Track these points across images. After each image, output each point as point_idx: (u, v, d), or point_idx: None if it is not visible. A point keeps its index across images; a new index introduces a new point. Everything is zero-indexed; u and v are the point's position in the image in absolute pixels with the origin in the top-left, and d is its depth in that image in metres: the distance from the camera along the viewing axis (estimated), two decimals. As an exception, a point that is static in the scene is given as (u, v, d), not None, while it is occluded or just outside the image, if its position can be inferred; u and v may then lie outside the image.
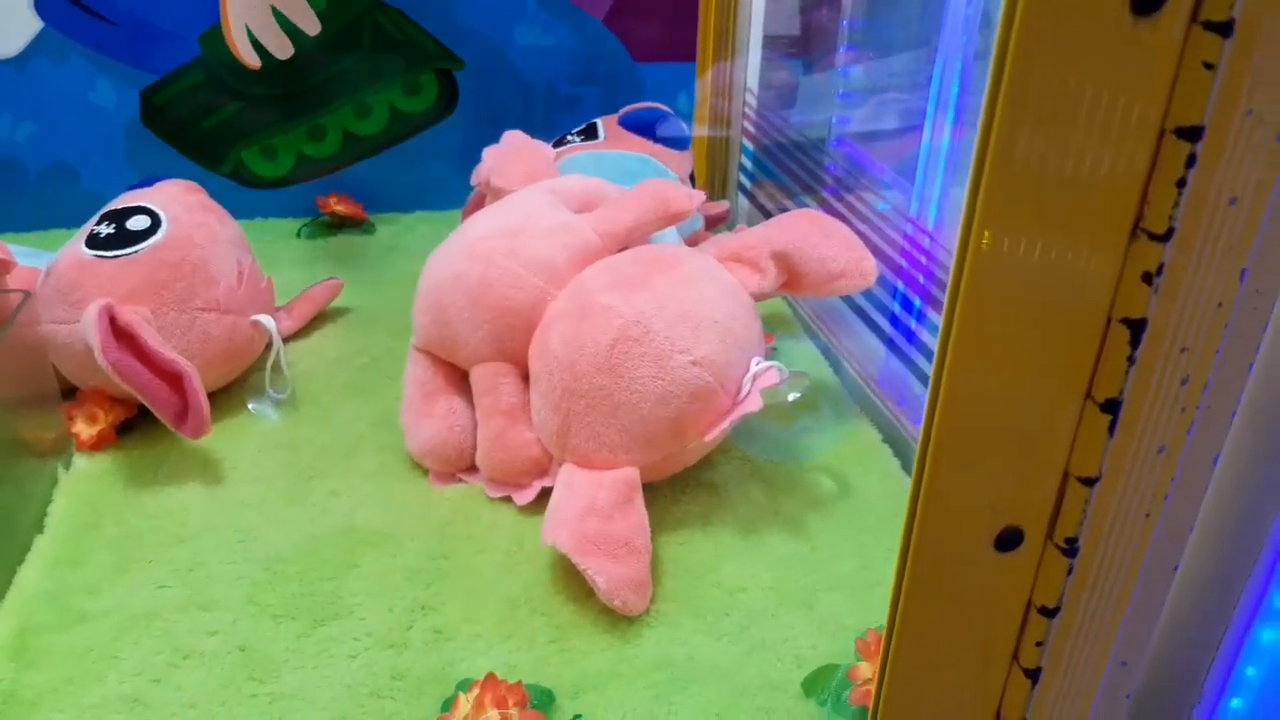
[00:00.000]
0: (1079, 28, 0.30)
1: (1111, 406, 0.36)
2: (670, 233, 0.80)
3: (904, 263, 0.83)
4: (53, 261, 0.74)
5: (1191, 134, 0.31)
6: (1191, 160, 0.32)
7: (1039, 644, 0.42)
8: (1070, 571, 0.40)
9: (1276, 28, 0.30)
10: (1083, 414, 0.37)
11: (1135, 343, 0.35)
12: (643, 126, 0.95)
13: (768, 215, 1.04)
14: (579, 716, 0.51)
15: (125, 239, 0.72)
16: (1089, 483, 0.38)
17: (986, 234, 0.33)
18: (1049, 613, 0.41)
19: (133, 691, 0.53)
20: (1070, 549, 0.40)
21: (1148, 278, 0.34)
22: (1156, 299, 0.34)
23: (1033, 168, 0.32)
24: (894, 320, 0.84)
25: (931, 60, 0.90)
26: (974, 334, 0.35)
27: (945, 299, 0.36)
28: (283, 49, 1.06)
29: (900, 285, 0.84)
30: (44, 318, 0.71)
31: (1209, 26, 0.30)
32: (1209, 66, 0.30)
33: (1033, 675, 0.43)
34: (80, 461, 0.71)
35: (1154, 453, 0.38)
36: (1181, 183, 0.32)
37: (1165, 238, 0.33)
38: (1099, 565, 0.40)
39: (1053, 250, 0.34)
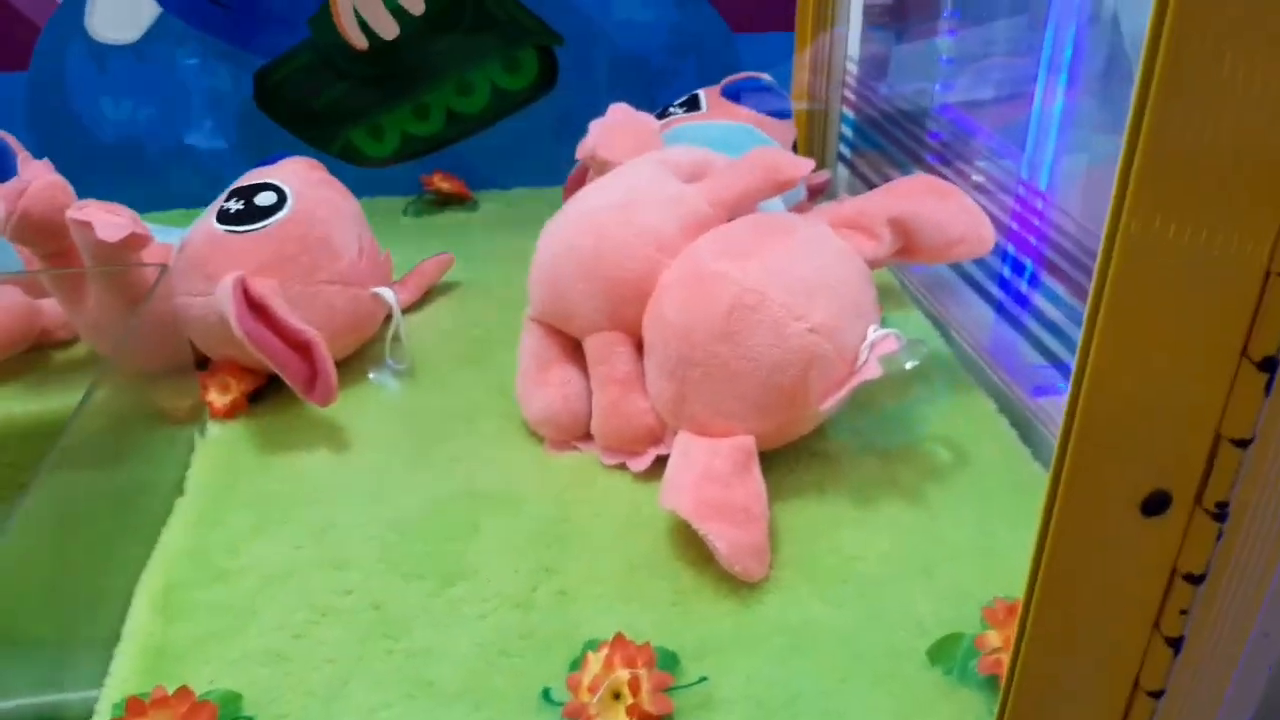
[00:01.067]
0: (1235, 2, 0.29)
1: (1269, 365, 0.35)
2: (776, 202, 0.79)
3: (1016, 225, 0.82)
4: (185, 237, 0.77)
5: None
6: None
7: (1183, 612, 0.41)
8: (1219, 537, 0.39)
9: None
10: (1238, 372, 0.36)
11: (1298, 298, 0.34)
12: (745, 97, 0.94)
13: (869, 185, 1.03)
14: (704, 679, 0.52)
15: (254, 214, 0.74)
16: (1242, 444, 0.37)
17: (1139, 197, 0.33)
18: (1195, 579, 0.40)
19: (274, 646, 0.55)
20: (1220, 514, 0.39)
21: (1315, 230, 0.33)
22: (1323, 253, 0.33)
23: (1185, 136, 0.31)
24: (1005, 285, 0.83)
25: (1038, 25, 0.87)
26: (1125, 294, 0.35)
27: (1096, 263, 0.35)
28: (388, 29, 1.09)
29: (1011, 249, 0.82)
30: (179, 291, 0.74)
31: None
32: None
33: (1175, 644, 0.42)
34: (214, 429, 0.74)
35: (1312, 413, 0.37)
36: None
37: (1335, 189, 0.32)
38: (1248, 531, 0.40)
39: (1206, 208, 0.33)
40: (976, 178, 0.88)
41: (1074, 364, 0.37)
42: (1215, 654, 0.43)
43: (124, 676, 0.53)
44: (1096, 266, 0.35)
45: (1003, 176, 0.86)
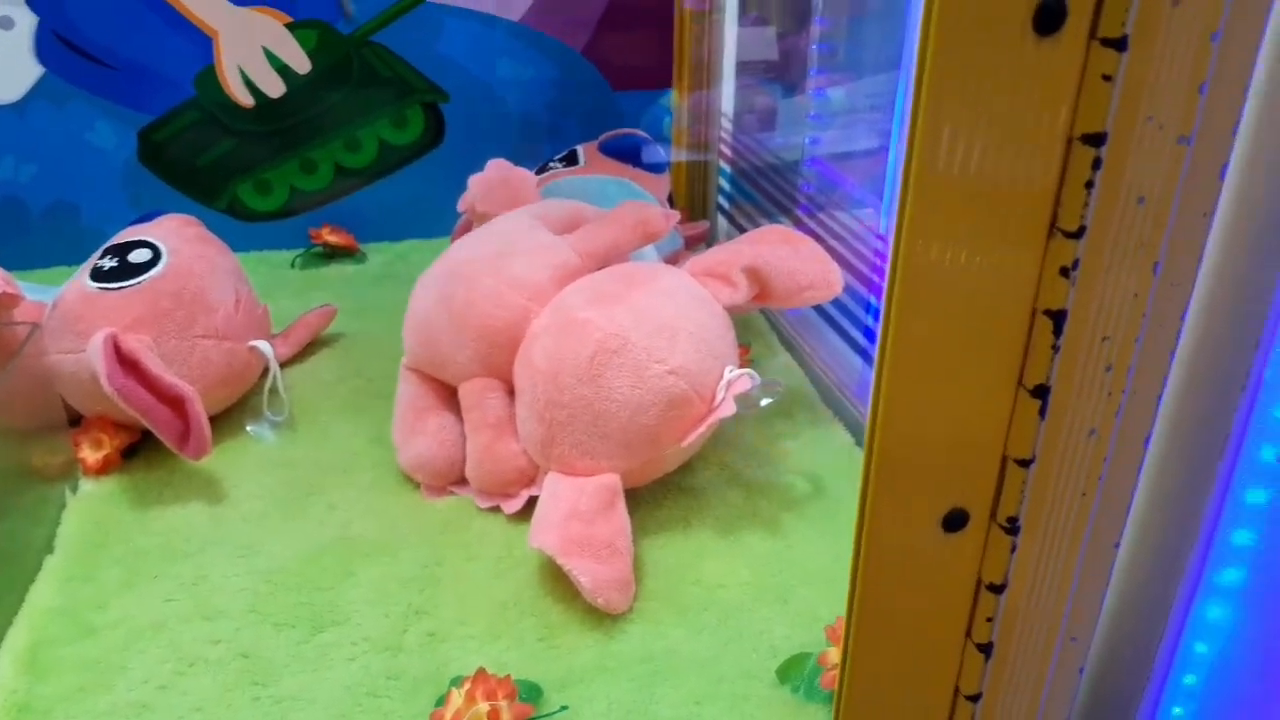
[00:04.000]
0: (988, 47, 0.33)
1: (1041, 392, 0.39)
2: (649, 251, 0.83)
3: (875, 276, 0.87)
4: (58, 295, 0.77)
5: (1096, 140, 0.35)
6: (1097, 163, 0.35)
7: (989, 619, 0.45)
8: (1014, 549, 0.43)
9: (1167, 43, 0.34)
10: (1015, 400, 0.40)
11: (1058, 332, 0.38)
12: (621, 152, 0.99)
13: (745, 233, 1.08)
14: (565, 708, 0.54)
15: (128, 271, 0.75)
16: (1025, 464, 0.41)
17: (916, 239, 0.37)
18: (997, 589, 0.44)
19: (141, 698, 0.55)
20: (1012, 527, 0.43)
21: (1065, 272, 0.37)
22: (1075, 291, 0.37)
23: (953, 175, 0.36)
24: (866, 331, 0.88)
25: (897, 82, 0.93)
26: (911, 330, 0.39)
27: (883, 299, 0.39)
28: (274, 87, 1.10)
29: (872, 299, 0.87)
30: (51, 348, 0.74)
31: (1106, 43, 0.34)
32: (1108, 79, 0.34)
33: (985, 650, 0.46)
34: (87, 485, 0.73)
35: (1085, 435, 0.41)
36: (1090, 184, 0.35)
37: (1078, 235, 0.36)
38: (1041, 542, 0.43)
39: (977, 250, 0.37)
40: (839, 229, 0.93)
41: (870, 393, 0.41)
42: (1026, 659, 0.47)
43: (-18, 736, 0.53)
44: (884, 297, 0.39)
45: (862, 229, 0.91)
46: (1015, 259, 0.38)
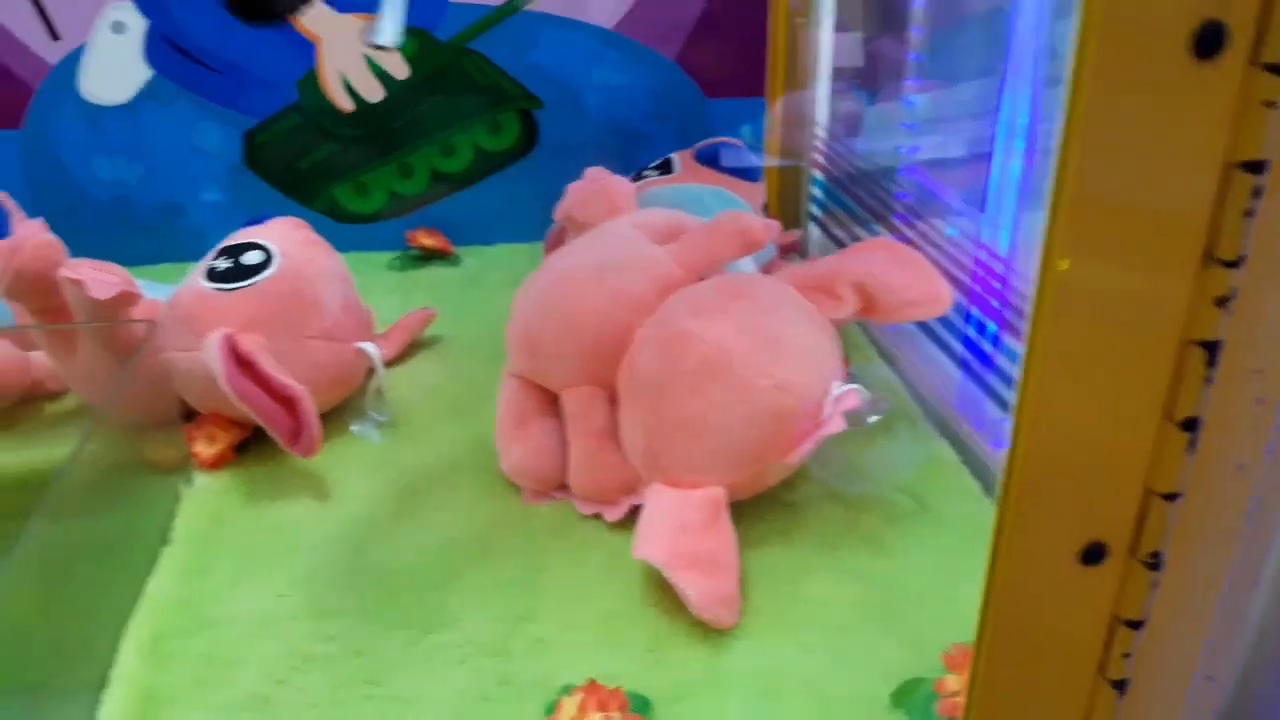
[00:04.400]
0: (1146, 70, 0.33)
1: (1190, 425, 0.38)
2: (746, 262, 0.83)
3: (977, 288, 0.85)
4: (174, 294, 0.79)
5: (1255, 167, 0.34)
6: (1258, 192, 0.34)
7: (1125, 656, 0.44)
8: (1154, 585, 0.42)
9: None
10: (1162, 432, 0.39)
11: (1210, 363, 0.37)
12: (716, 160, 0.98)
13: (839, 243, 1.07)
14: (675, 722, 0.54)
15: (241, 273, 0.77)
16: (1170, 498, 0.40)
17: (1064, 261, 0.36)
18: (1134, 625, 0.43)
19: (260, 692, 0.57)
20: (1154, 563, 0.42)
21: (1220, 302, 0.36)
22: (1228, 322, 0.36)
23: (1106, 199, 0.35)
24: (969, 344, 0.86)
25: (999, 89, 0.92)
26: (1055, 356, 0.38)
27: (1027, 323, 0.38)
28: (373, 92, 1.12)
29: (974, 310, 0.86)
30: (167, 346, 0.76)
31: (1268, 68, 0.33)
32: (1270, 105, 0.33)
33: (1119, 687, 0.45)
34: (201, 479, 0.76)
35: (1233, 470, 0.40)
36: (1249, 213, 0.34)
37: (1235, 264, 0.35)
38: (1182, 579, 0.42)
39: (1128, 276, 0.36)
40: (938, 239, 0.92)
41: (1012, 418, 0.40)
42: (1160, 698, 0.46)
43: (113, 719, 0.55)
44: (1029, 320, 0.38)
45: (963, 239, 0.90)
46: (1167, 287, 0.37)
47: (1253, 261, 0.35)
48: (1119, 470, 0.40)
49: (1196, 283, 0.36)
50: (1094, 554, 0.42)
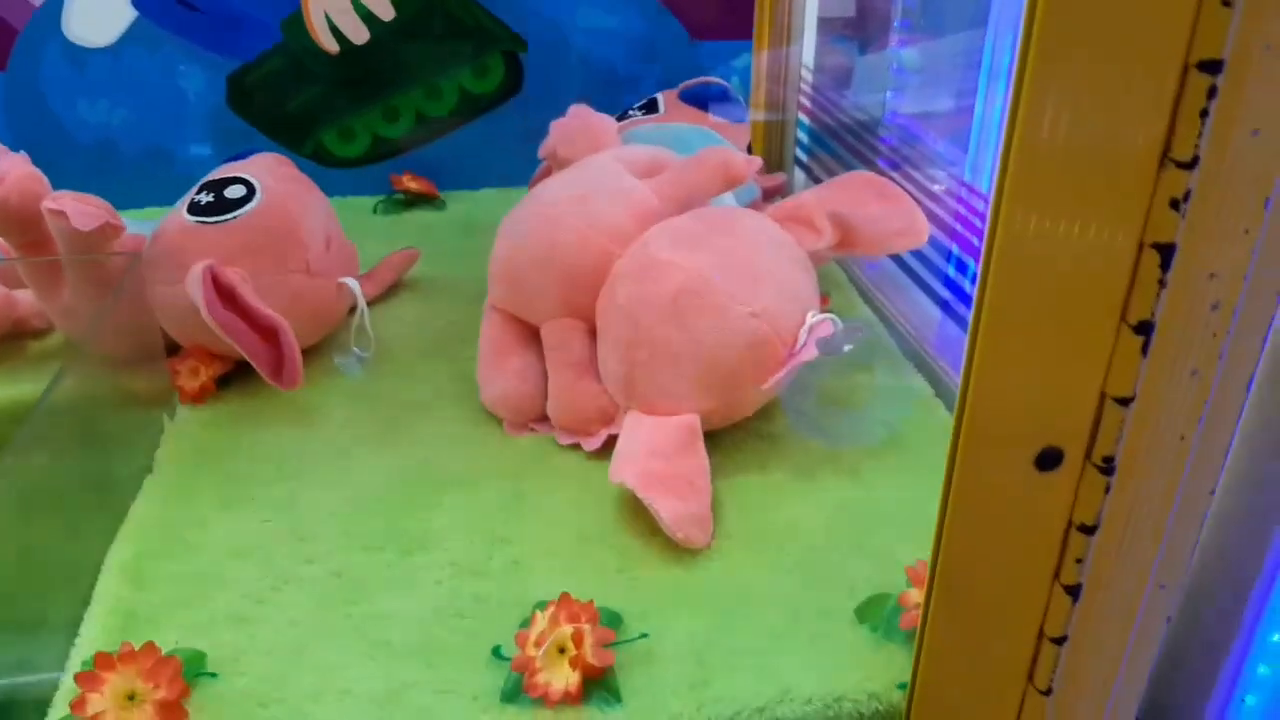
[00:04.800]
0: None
1: (1144, 329, 0.39)
2: (728, 198, 0.83)
3: (959, 226, 0.86)
4: (157, 228, 0.80)
5: (1212, 67, 0.34)
6: (1213, 92, 0.34)
7: (1079, 561, 0.45)
8: (1108, 490, 0.43)
9: (1292, -33, 0.33)
10: (1117, 336, 0.40)
11: (1165, 266, 0.38)
12: (701, 100, 0.98)
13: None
14: (645, 635, 0.55)
15: (224, 206, 0.77)
16: (1124, 403, 0.41)
17: (1023, 165, 0.36)
18: (1088, 530, 0.44)
19: (238, 610, 0.58)
20: (1108, 467, 0.42)
21: (1175, 204, 0.36)
22: (1184, 224, 0.37)
23: (1065, 102, 0.35)
24: (948, 282, 0.87)
25: (983, 37, 0.91)
26: (1012, 261, 0.38)
27: (985, 229, 0.39)
28: (359, 34, 1.12)
29: (955, 249, 0.86)
30: (150, 279, 0.77)
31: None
32: (1226, 4, 0.33)
33: (1073, 592, 0.46)
34: (184, 412, 0.76)
35: (1187, 375, 0.40)
36: (1204, 113, 0.35)
37: (1190, 165, 0.36)
38: (1136, 485, 0.43)
39: (1083, 179, 0.36)
40: (921, 179, 0.92)
41: (968, 330, 0.40)
42: (1114, 604, 0.47)
43: (92, 638, 0.56)
44: (986, 227, 0.38)
45: (946, 179, 0.90)
46: (1124, 189, 0.37)
47: (1207, 163, 0.36)
48: (1075, 375, 0.41)
49: (1153, 185, 0.37)
50: (1049, 459, 0.43)
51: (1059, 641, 0.47)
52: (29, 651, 0.57)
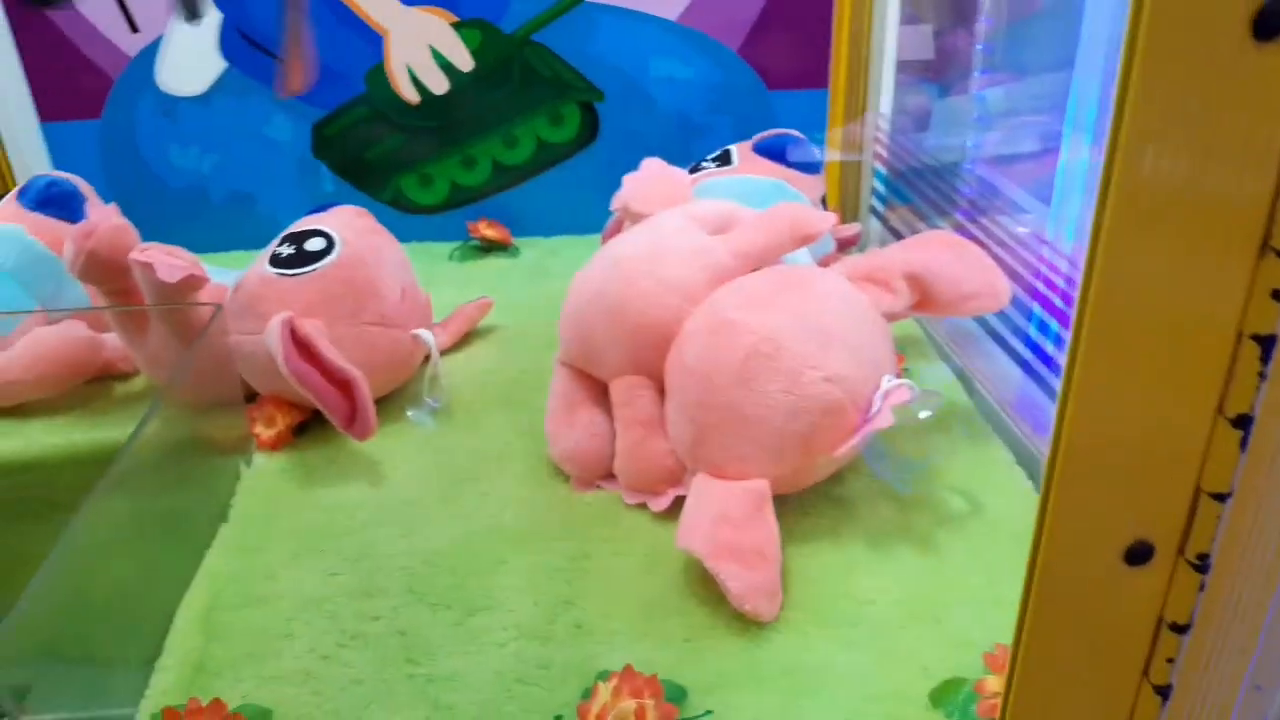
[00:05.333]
0: (1202, 51, 0.31)
1: (1243, 423, 0.37)
2: (803, 254, 0.82)
3: (1040, 285, 0.83)
4: (240, 279, 0.82)
5: (1322, 155, 0.32)
6: (1320, 180, 0.32)
7: (1169, 661, 0.42)
8: (1202, 588, 0.41)
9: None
10: (1214, 429, 0.38)
11: (1265, 359, 0.36)
12: (775, 152, 0.98)
13: (900, 238, 1.05)
14: (709, 713, 0.54)
15: (304, 259, 0.79)
16: (1220, 498, 0.38)
17: (1115, 251, 0.35)
18: (1180, 629, 0.42)
19: (305, 666, 0.58)
20: (1202, 565, 0.40)
21: (1277, 295, 0.34)
22: (1288, 317, 0.35)
23: (1159, 185, 0.34)
24: (1030, 344, 0.84)
25: (1068, 83, 0.89)
26: (1103, 347, 0.37)
27: (1075, 311, 0.37)
28: (439, 85, 1.14)
29: (1036, 309, 0.84)
30: (232, 329, 0.79)
31: (1332, 51, 0.31)
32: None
33: (1163, 692, 0.43)
34: (260, 459, 0.78)
35: (1288, 471, 0.38)
36: (1310, 201, 0.33)
37: (1294, 257, 0.34)
38: (1232, 584, 0.41)
39: (1179, 266, 0.35)
40: (1002, 235, 0.90)
41: (1055, 411, 0.39)
42: (1205, 706, 0.44)
43: (163, 689, 0.57)
44: (1075, 309, 0.37)
45: (1028, 236, 0.87)
46: (1222, 278, 0.35)
47: (1311, 254, 0.34)
48: (1167, 467, 0.39)
49: (1253, 274, 0.35)
50: (1140, 554, 0.41)
51: (1148, 743, 0.44)
52: (106, 686, 0.58)
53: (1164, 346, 0.36)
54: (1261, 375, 0.36)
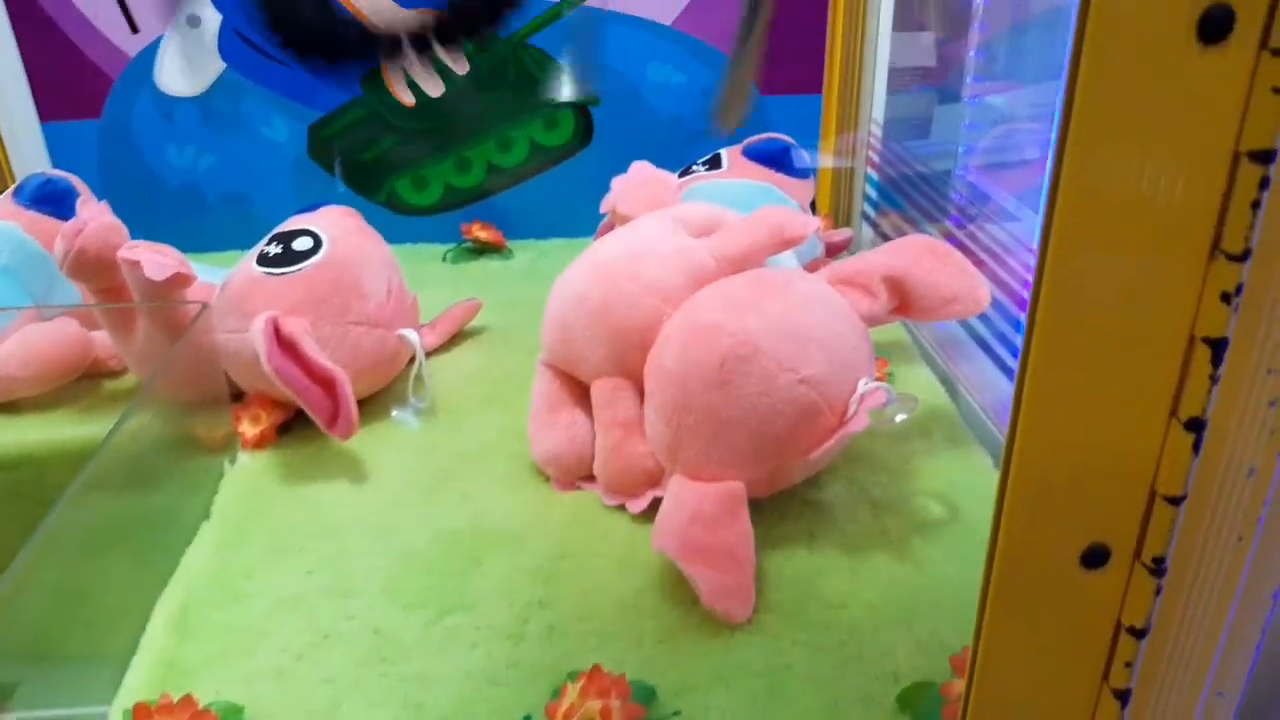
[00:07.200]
0: (1148, 56, 0.32)
1: (1196, 426, 0.37)
2: (789, 257, 0.82)
3: (1025, 292, 0.83)
4: (227, 277, 0.82)
5: (1264, 157, 0.32)
6: (1265, 183, 0.33)
7: (1128, 665, 0.42)
8: (1159, 592, 0.41)
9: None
10: (1167, 432, 0.38)
11: (1217, 362, 0.36)
12: (765, 157, 0.98)
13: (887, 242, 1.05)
14: (678, 713, 0.54)
15: (291, 258, 0.79)
16: (1175, 501, 0.38)
17: (1065, 255, 0.35)
18: (1138, 633, 0.42)
19: (278, 665, 0.59)
20: (1158, 569, 0.40)
21: (1226, 298, 0.34)
22: (1236, 319, 0.35)
23: (1108, 191, 0.34)
24: (1015, 351, 0.84)
25: (1057, 90, 0.89)
26: (1056, 351, 0.37)
27: (1027, 316, 0.37)
28: (434, 88, 1.15)
29: (1022, 316, 0.84)
30: (218, 327, 0.79)
31: (1277, 53, 0.31)
32: (1278, 91, 0.31)
33: (1122, 697, 0.43)
34: (244, 458, 0.78)
35: (1244, 475, 0.38)
36: (1256, 204, 0.33)
37: (1242, 258, 0.34)
38: (1190, 587, 0.41)
39: (1130, 270, 0.35)
40: (989, 242, 0.90)
41: (1009, 416, 0.39)
42: (1167, 711, 0.44)
43: (136, 686, 0.57)
44: (1028, 315, 0.37)
45: (1015, 242, 0.87)
46: (1172, 281, 0.35)
47: (1260, 255, 0.34)
48: (1122, 470, 0.39)
49: (1203, 277, 0.35)
50: (1096, 557, 0.40)
51: (1108, 748, 0.44)
52: (82, 684, 0.59)
53: (1116, 350, 0.36)
54: (1213, 378, 0.36)
